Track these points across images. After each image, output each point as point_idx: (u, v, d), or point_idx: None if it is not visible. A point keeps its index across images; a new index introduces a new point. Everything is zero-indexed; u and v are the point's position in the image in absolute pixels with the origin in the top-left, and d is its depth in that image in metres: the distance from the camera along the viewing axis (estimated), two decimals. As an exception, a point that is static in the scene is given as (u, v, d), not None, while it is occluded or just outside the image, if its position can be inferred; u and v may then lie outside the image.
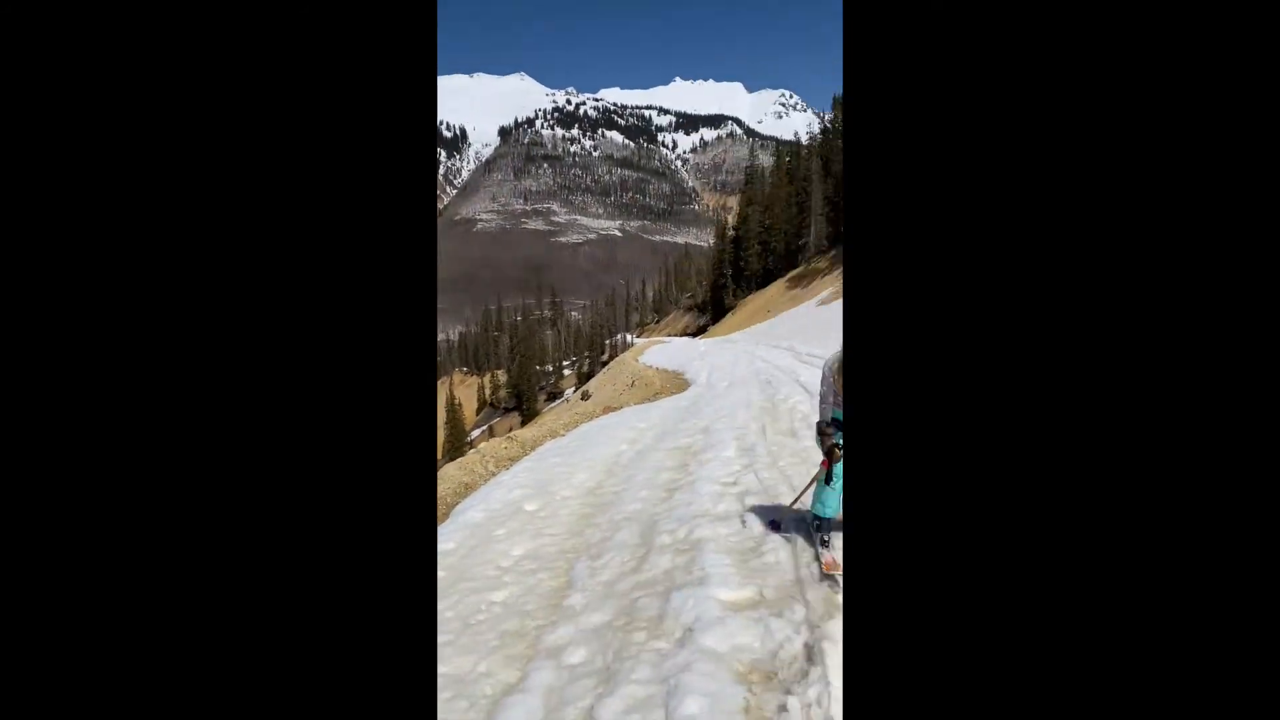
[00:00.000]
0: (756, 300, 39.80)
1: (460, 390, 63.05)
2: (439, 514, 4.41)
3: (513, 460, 6.02)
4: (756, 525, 3.06)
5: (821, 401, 2.65)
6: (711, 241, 60.36)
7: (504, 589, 2.88)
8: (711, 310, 49.45)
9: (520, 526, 3.73)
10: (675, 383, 12.55)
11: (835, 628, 2.06)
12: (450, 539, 3.61)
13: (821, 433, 2.65)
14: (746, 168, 52.02)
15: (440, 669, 2.27)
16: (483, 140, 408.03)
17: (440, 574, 3.14)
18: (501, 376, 69.89)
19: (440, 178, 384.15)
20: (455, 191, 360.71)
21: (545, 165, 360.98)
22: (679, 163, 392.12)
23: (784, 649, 1.98)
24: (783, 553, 2.71)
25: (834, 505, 2.58)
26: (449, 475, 5.73)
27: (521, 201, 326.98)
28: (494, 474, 5.42)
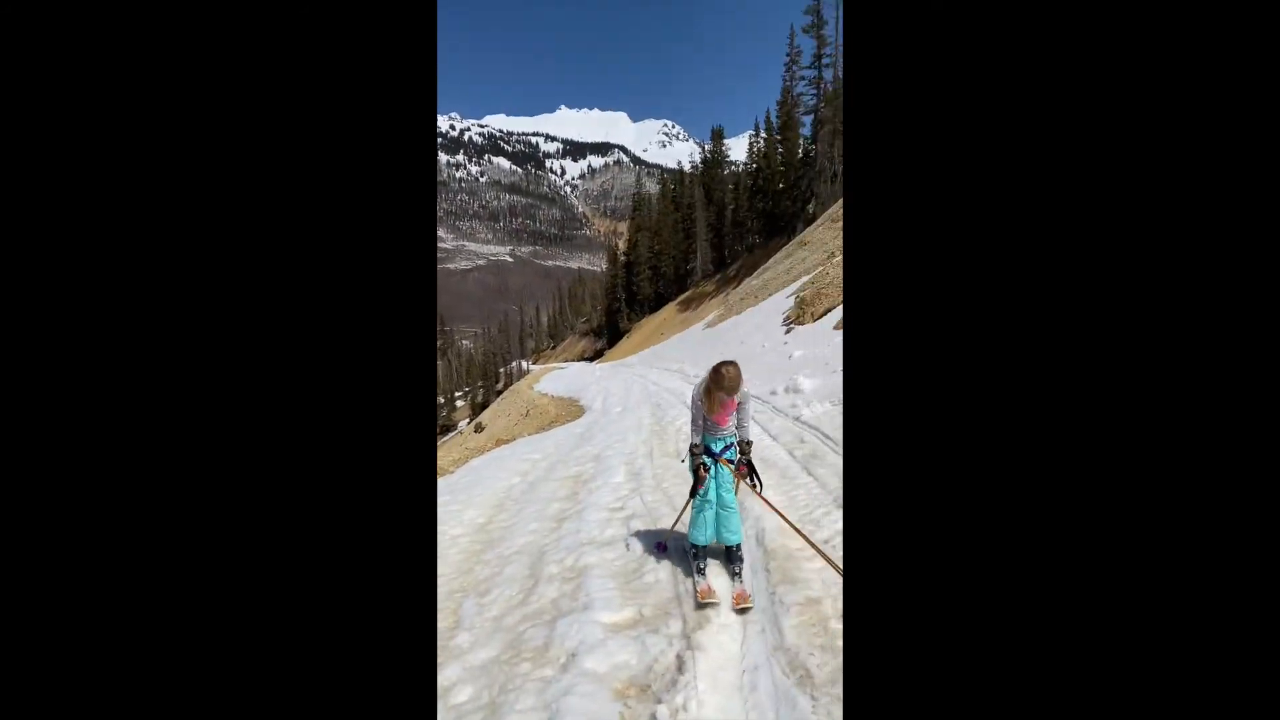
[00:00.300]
0: (650, 323, 40.81)
1: (343, 428, 58.78)
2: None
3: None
4: (639, 548, 3.23)
5: (692, 424, 2.83)
6: (604, 266, 61.26)
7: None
8: (608, 334, 50.00)
9: (406, 571, 3.65)
10: (570, 410, 12.63)
11: (705, 637, 2.25)
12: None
13: (691, 454, 2.81)
14: (634, 195, 53.46)
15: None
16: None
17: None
18: (389, 411, 65.81)
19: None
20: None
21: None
22: (568, 189, 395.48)
23: (658, 662, 2.14)
24: (663, 573, 2.89)
25: (706, 534, 2.71)
26: None
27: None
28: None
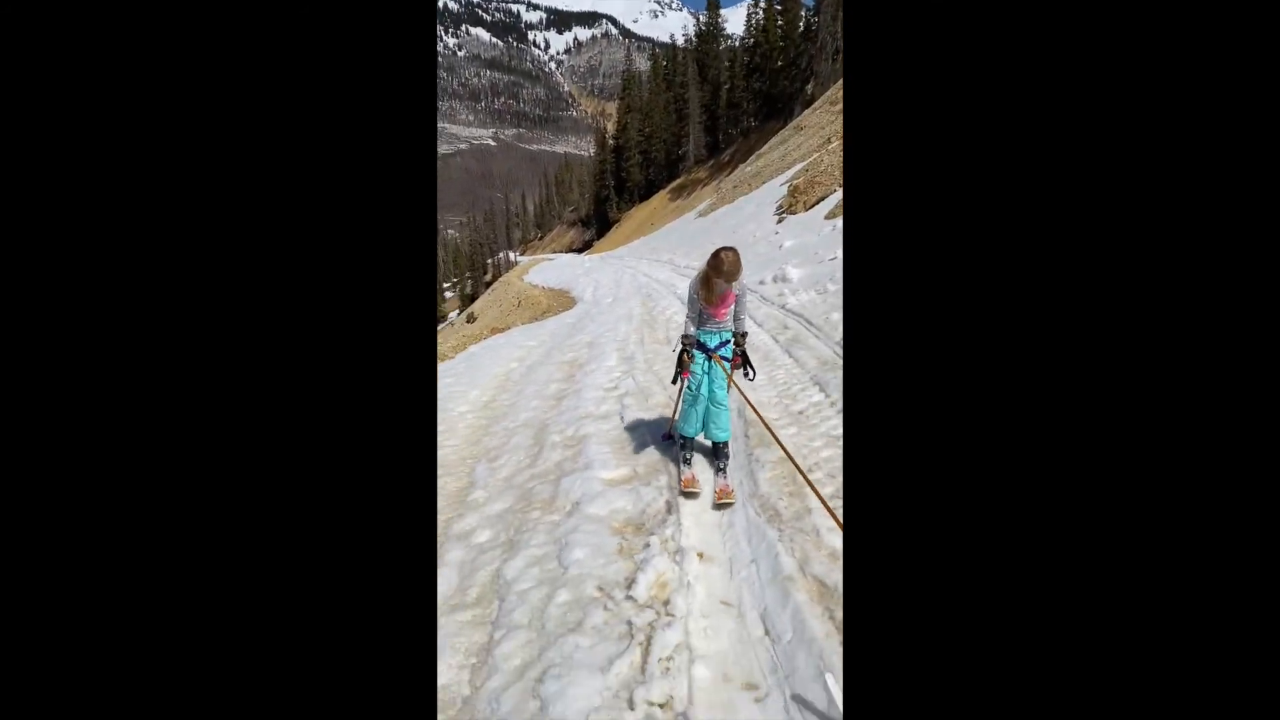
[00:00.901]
0: (640, 212, 39.90)
1: (332, 320, 58.69)
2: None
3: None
4: (632, 419, 3.57)
5: (688, 317, 2.77)
6: (592, 150, 58.63)
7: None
8: (596, 224, 48.94)
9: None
10: (562, 300, 12.80)
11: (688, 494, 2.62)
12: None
13: (683, 342, 2.79)
14: (624, 72, 50.06)
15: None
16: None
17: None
18: (378, 303, 65.50)
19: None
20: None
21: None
22: (553, 65, 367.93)
23: (650, 507, 2.51)
24: (653, 440, 3.23)
25: (694, 426, 2.73)
26: None
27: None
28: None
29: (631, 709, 1.55)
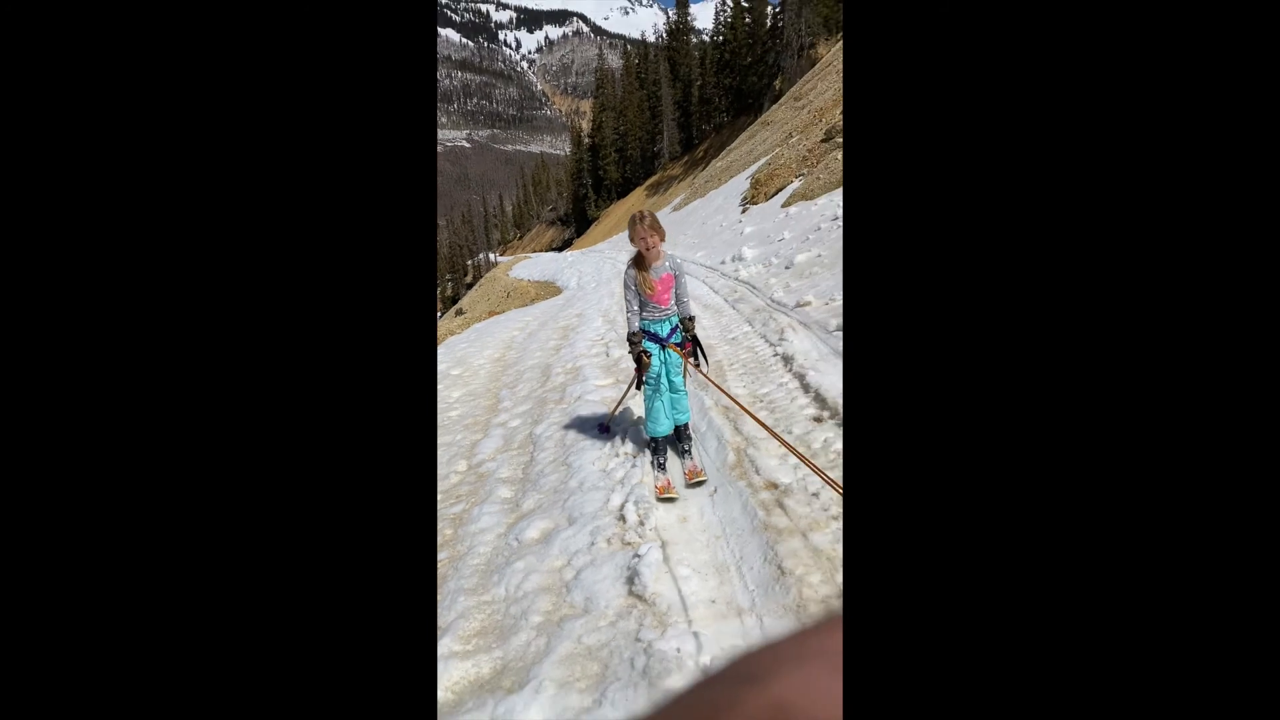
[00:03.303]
0: (619, 209, 41.03)
1: (315, 326, 59.30)
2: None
3: (422, 354, 7.34)
4: (615, 354, 4.79)
5: (628, 310, 2.65)
6: (568, 150, 59.52)
7: (455, 409, 4.41)
8: (575, 222, 49.92)
9: (452, 382, 5.20)
10: (548, 290, 13.98)
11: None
12: (402, 396, 5.03)
13: (631, 341, 2.66)
14: (596, 70, 51.06)
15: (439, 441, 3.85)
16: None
17: (404, 413, 4.59)
18: (360, 307, 66.05)
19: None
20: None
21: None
22: (524, 64, 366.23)
23: (625, 394, 3.75)
24: (628, 363, 4.47)
25: (665, 424, 2.67)
26: None
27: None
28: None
29: (612, 462, 2.77)
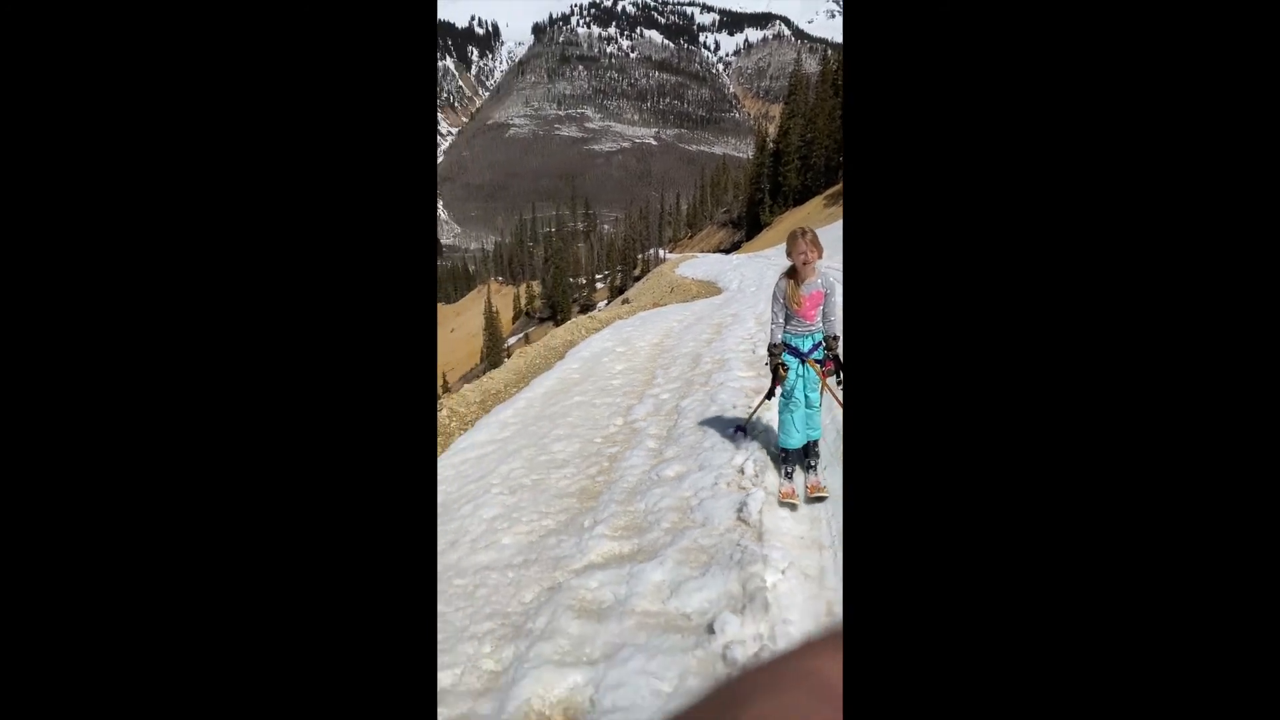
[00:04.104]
0: (793, 217, 40.52)
1: (497, 299, 65.59)
2: (558, 353, 6.78)
3: (593, 331, 8.36)
4: (761, 353, 5.28)
5: (772, 321, 2.71)
6: (751, 154, 59.63)
7: (617, 379, 5.22)
8: (747, 226, 50.06)
9: (616, 358, 6.05)
10: (709, 289, 14.65)
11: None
12: (575, 361, 5.96)
13: (771, 352, 2.72)
14: (791, 74, 50.46)
15: (597, 405, 4.64)
16: (515, 38, 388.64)
17: (577, 376, 5.49)
18: (536, 287, 72.26)
19: (472, 78, 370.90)
20: (488, 94, 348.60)
21: (580, 67, 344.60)
22: (720, 66, 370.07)
23: (763, 385, 4.25)
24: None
25: (797, 438, 2.66)
26: (558, 335, 8.16)
27: (555, 106, 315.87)
28: (586, 337, 7.78)
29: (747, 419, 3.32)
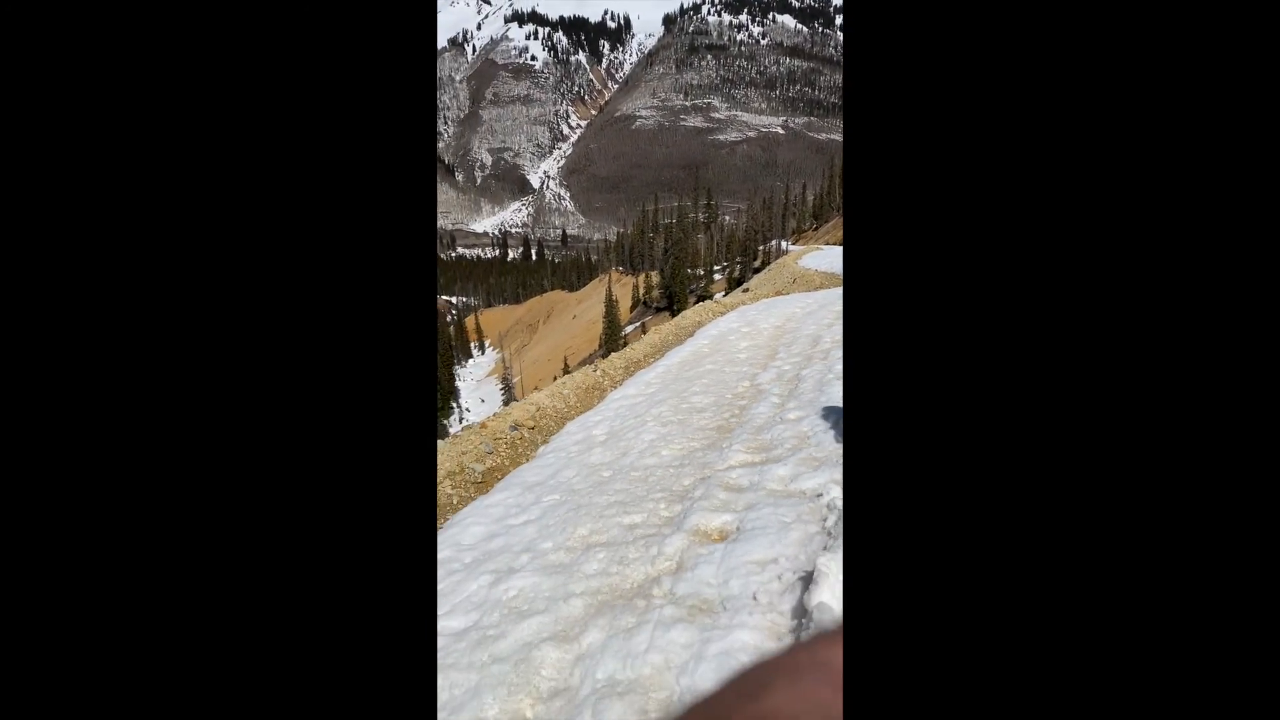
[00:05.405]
0: (925, 210, 38.47)
1: (617, 289, 67.61)
2: (688, 331, 7.72)
3: (719, 314, 9.22)
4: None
5: None
6: (884, 144, 56.56)
7: (743, 353, 6.05)
8: (875, 219, 47.89)
9: (741, 337, 6.87)
10: (833, 280, 14.90)
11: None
12: (705, 338, 6.87)
13: None
14: (934, 61, 47.29)
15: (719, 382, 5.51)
16: (646, 30, 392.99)
17: (707, 349, 6.39)
18: (655, 278, 73.57)
19: (602, 71, 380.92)
20: (616, 87, 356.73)
21: (709, 56, 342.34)
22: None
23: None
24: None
25: None
26: (688, 316, 9.16)
27: (681, 97, 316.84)
28: (713, 319, 8.66)
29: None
